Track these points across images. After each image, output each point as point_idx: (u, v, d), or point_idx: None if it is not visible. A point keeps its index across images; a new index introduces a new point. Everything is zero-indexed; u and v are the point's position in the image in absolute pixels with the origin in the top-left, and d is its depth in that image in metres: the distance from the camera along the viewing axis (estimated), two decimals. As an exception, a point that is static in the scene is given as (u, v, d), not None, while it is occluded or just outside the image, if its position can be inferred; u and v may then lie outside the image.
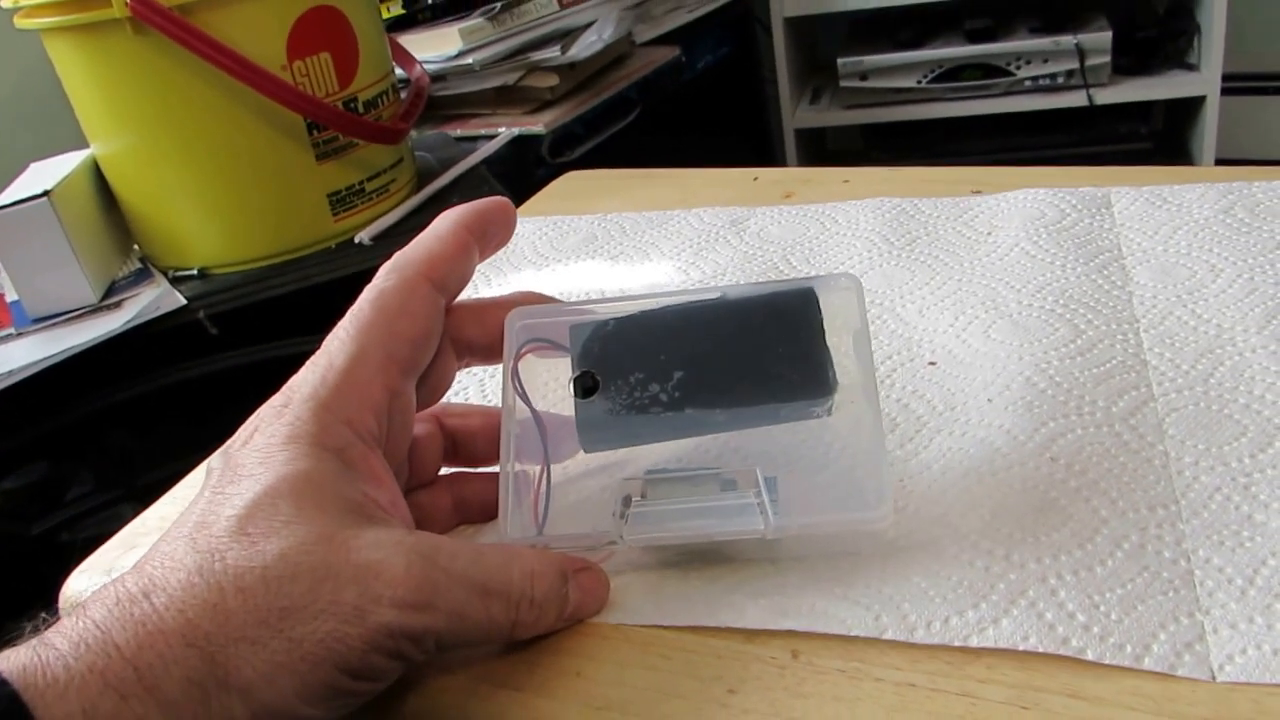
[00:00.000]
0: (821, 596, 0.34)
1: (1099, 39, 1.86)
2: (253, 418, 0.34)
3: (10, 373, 0.87)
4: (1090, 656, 0.30)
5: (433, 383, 0.38)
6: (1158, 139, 2.04)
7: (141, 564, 0.30)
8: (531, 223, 0.66)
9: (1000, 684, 0.30)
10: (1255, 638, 0.30)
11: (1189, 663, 0.29)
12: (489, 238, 0.39)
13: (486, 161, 1.20)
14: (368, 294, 0.36)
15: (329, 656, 0.29)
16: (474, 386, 0.50)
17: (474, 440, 0.40)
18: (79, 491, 0.95)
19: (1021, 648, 0.31)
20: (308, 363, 0.35)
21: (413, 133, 1.16)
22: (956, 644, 0.31)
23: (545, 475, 0.37)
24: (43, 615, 0.30)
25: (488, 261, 0.44)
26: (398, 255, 0.37)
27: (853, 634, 0.32)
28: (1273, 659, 0.29)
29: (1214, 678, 0.29)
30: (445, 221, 0.38)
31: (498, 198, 0.39)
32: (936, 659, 0.31)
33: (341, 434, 0.33)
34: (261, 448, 0.32)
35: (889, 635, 0.32)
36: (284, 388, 0.34)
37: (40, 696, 0.26)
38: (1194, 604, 0.31)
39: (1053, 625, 0.31)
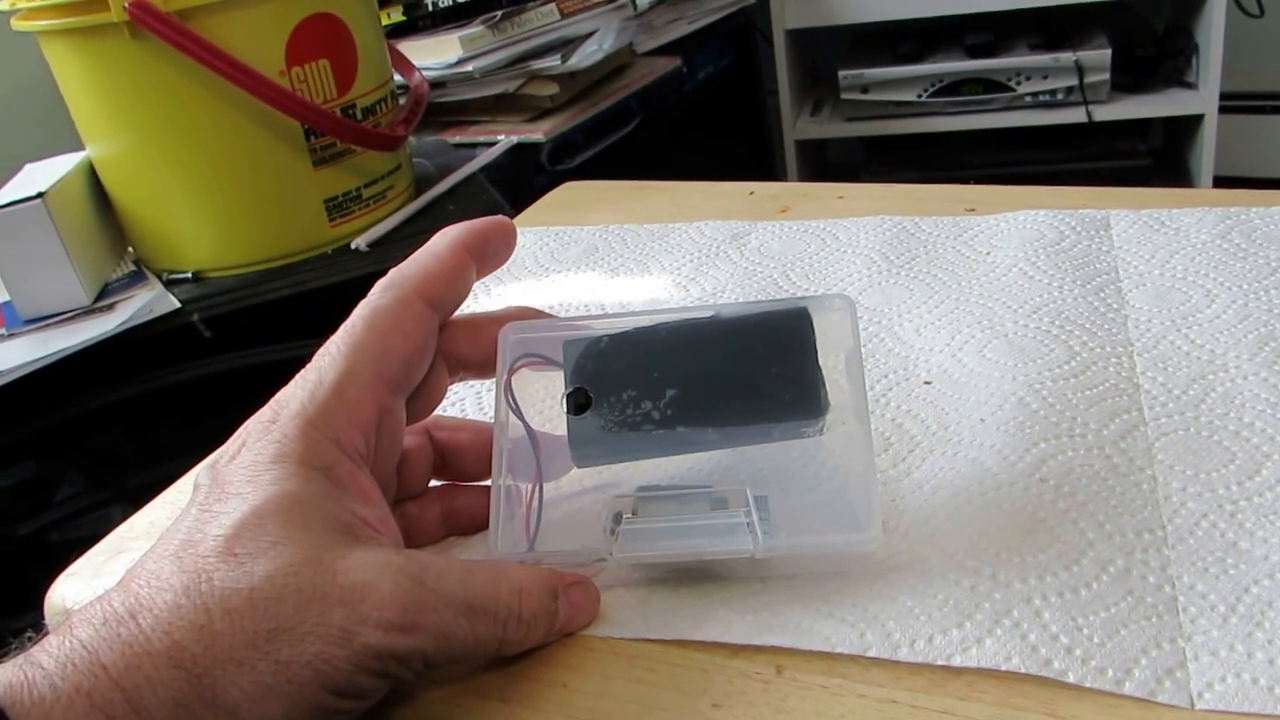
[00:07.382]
0: (807, 613, 0.34)
1: (1098, 56, 1.87)
2: (240, 431, 0.34)
3: (1, 373, 0.87)
4: (1071, 680, 0.30)
5: (424, 397, 0.37)
6: (1156, 156, 2.04)
7: (127, 581, 0.30)
8: (533, 233, 0.66)
9: (980, 701, 0.30)
10: (1235, 665, 0.30)
11: (1169, 689, 0.30)
12: (487, 258, 0.39)
13: (485, 169, 1.20)
14: (361, 310, 0.36)
15: (316, 678, 0.29)
16: (470, 398, 0.50)
17: (463, 455, 0.40)
18: (69, 492, 0.95)
19: (1004, 668, 0.31)
20: (297, 377, 0.35)
21: (411, 139, 1.16)
22: (939, 663, 0.31)
23: (537, 491, 0.37)
24: (28, 634, 0.30)
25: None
26: (393, 272, 0.37)
27: (837, 651, 0.32)
28: (1251, 688, 0.29)
29: (1193, 705, 0.29)
30: (443, 240, 0.38)
31: (498, 218, 0.39)
32: (919, 676, 0.31)
33: (329, 452, 0.33)
34: (249, 465, 0.32)
35: (873, 653, 0.32)
36: (272, 401, 0.34)
37: (26, 715, 0.26)
38: (1176, 630, 0.31)
39: (1035, 647, 0.31)
